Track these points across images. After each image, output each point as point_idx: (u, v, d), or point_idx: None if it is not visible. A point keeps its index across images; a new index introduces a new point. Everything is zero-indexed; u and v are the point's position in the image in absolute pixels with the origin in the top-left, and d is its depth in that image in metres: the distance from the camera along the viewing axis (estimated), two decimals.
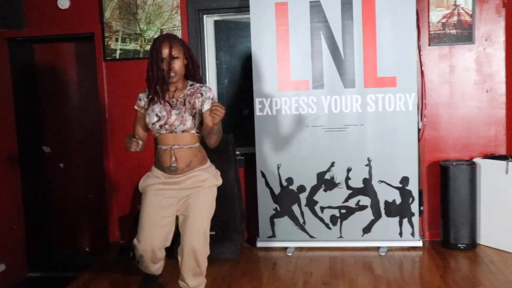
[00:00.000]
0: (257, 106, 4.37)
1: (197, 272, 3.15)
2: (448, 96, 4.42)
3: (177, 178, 3.05)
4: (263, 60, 4.34)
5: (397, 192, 4.24)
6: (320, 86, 4.28)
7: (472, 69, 4.38)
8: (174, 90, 3.05)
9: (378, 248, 4.26)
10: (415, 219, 4.25)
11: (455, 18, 4.32)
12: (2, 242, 4.66)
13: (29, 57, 5.22)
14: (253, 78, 4.37)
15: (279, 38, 4.30)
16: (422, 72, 4.40)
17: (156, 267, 3.30)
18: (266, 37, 4.31)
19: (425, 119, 4.44)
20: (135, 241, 3.16)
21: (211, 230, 4.30)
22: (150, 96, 3.02)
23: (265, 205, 4.43)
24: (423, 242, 4.29)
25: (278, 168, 4.39)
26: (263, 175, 4.41)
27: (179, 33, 4.62)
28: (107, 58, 4.73)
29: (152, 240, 3.08)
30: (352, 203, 4.31)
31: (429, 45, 4.39)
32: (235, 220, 4.41)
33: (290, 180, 4.38)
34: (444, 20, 4.33)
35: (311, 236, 4.39)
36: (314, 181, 4.35)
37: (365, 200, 4.29)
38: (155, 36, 4.59)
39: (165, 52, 2.93)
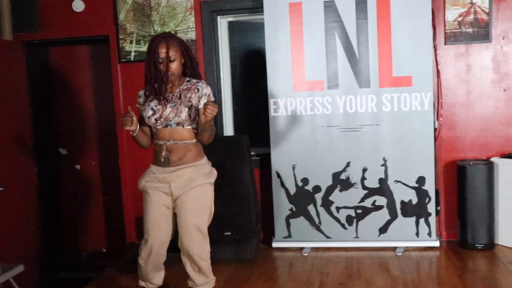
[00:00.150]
0: (271, 107, 4.39)
1: (198, 270, 3.13)
2: (465, 95, 4.41)
3: (168, 173, 3.06)
4: (277, 61, 4.36)
5: (413, 192, 4.24)
6: (335, 86, 4.29)
7: (489, 67, 4.36)
8: (171, 86, 3.08)
9: (394, 248, 4.27)
10: (432, 219, 4.25)
11: (471, 16, 4.31)
12: (19, 244, 4.72)
13: (45, 60, 5.31)
14: (268, 79, 4.39)
15: (293, 38, 4.32)
16: (438, 71, 4.40)
17: (157, 277, 3.27)
18: (280, 37, 4.34)
19: (441, 119, 4.44)
20: (142, 244, 3.20)
21: (227, 230, 4.39)
22: (147, 93, 3.06)
23: (281, 206, 4.45)
24: (440, 242, 4.29)
25: (294, 168, 4.41)
26: (279, 176, 4.44)
27: (193, 35, 4.67)
28: (122, 60, 4.79)
29: (156, 238, 3.11)
30: (368, 203, 4.32)
31: (445, 44, 4.38)
32: (251, 220, 4.45)
33: (305, 180, 4.40)
34: (460, 19, 4.32)
35: (327, 237, 4.41)
36: (329, 181, 4.36)
37: (381, 200, 4.30)
38: None
39: (162, 52, 2.95)
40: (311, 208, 4.41)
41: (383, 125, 4.24)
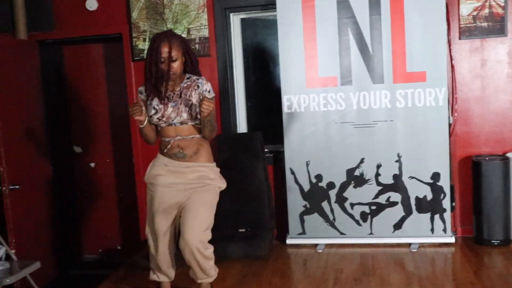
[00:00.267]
0: (285, 103, 4.41)
1: (197, 265, 3.12)
2: (480, 90, 4.39)
3: (184, 167, 3.10)
4: (290, 57, 4.38)
5: (428, 188, 4.24)
6: (348, 82, 4.30)
7: (505, 62, 4.33)
8: (172, 84, 3.11)
9: (409, 244, 4.27)
10: (447, 215, 4.24)
11: (486, 10, 4.28)
12: (36, 241, 4.78)
13: (59, 58, 5.36)
14: (281, 75, 4.42)
15: (306, 35, 4.33)
16: (452, 66, 4.38)
17: (170, 269, 3.36)
18: (293, 34, 4.35)
19: (456, 114, 4.43)
20: (147, 234, 3.31)
21: (241, 227, 4.44)
22: (148, 92, 3.09)
23: (295, 202, 4.47)
24: (455, 238, 4.29)
25: (307, 165, 4.42)
26: (292, 172, 4.45)
27: (206, 32, 4.69)
28: (135, 58, 4.82)
29: (162, 230, 3.21)
30: (382, 199, 4.33)
31: (459, 38, 4.36)
32: (265, 217, 4.47)
33: (319, 177, 4.41)
34: (475, 13, 4.30)
35: (341, 233, 4.42)
36: (343, 178, 4.37)
37: (395, 196, 4.30)
38: (183, 35, 4.66)
39: (165, 52, 2.97)
40: (325, 204, 4.42)
41: (397, 121, 4.24)
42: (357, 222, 4.39)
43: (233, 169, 4.57)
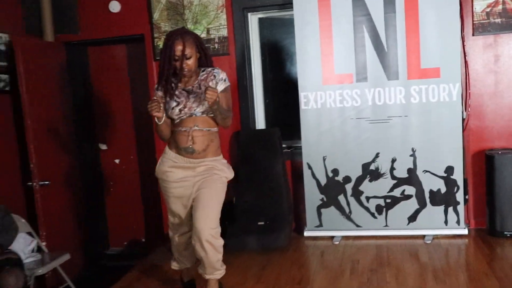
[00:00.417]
0: (302, 100, 4.44)
1: (206, 256, 3.07)
2: (493, 85, 4.40)
3: (192, 163, 3.10)
4: (307, 55, 4.41)
5: (442, 181, 4.26)
6: (364, 79, 4.33)
7: None
8: (187, 80, 3.11)
9: (423, 236, 4.30)
10: (460, 208, 4.26)
11: (499, 7, 4.28)
12: (65, 234, 4.88)
13: (84, 59, 5.45)
14: (298, 73, 4.45)
15: (322, 33, 4.37)
16: (466, 62, 4.39)
17: (188, 260, 3.42)
18: (310, 32, 4.38)
19: (469, 109, 4.44)
20: (170, 233, 3.34)
21: (260, 220, 4.48)
22: (163, 89, 3.10)
23: (312, 196, 4.51)
24: (468, 230, 4.30)
25: (324, 160, 4.46)
26: (310, 167, 4.49)
27: (225, 32, 4.74)
28: (157, 58, 4.85)
29: (181, 220, 3.24)
30: (397, 192, 4.36)
31: (473, 35, 4.37)
32: (283, 210, 4.51)
33: (335, 171, 4.45)
34: (488, 10, 4.30)
35: (357, 225, 4.46)
36: (359, 172, 4.41)
37: (410, 190, 4.33)
38: (202, 35, 4.74)
39: (178, 50, 2.96)
40: (341, 198, 4.46)
41: (412, 116, 4.27)
42: (372, 214, 4.42)
43: (252, 164, 4.64)
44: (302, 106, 4.46)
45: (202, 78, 3.10)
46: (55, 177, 4.76)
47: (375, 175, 4.38)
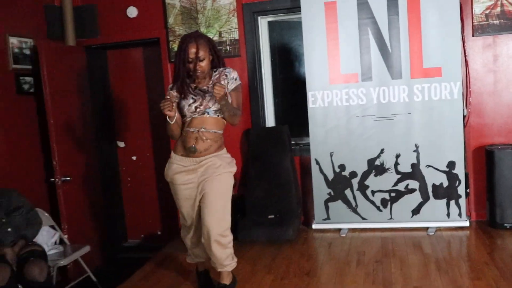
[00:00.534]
0: (310, 99, 4.46)
1: (214, 255, 3.09)
2: (493, 84, 4.40)
3: (194, 165, 3.07)
4: (314, 56, 4.42)
5: (444, 175, 4.27)
6: (369, 79, 4.34)
7: None
8: (200, 81, 3.09)
9: (426, 228, 4.30)
10: (462, 201, 4.27)
11: (498, 9, 4.29)
12: (86, 227, 4.95)
13: (103, 62, 5.48)
14: (306, 73, 4.46)
15: (329, 35, 4.38)
16: (466, 62, 4.40)
17: (202, 252, 3.32)
18: (317, 34, 4.39)
19: (470, 107, 4.45)
20: (182, 233, 3.33)
21: (270, 214, 4.49)
22: (178, 90, 3.07)
23: (320, 190, 4.52)
24: (470, 222, 4.30)
25: (331, 155, 4.48)
26: (317, 163, 4.51)
27: (236, 34, 4.77)
28: (172, 60, 4.86)
29: (193, 221, 3.21)
30: (401, 186, 4.36)
31: (472, 36, 4.38)
32: (292, 204, 4.52)
33: (342, 167, 4.46)
34: (487, 11, 4.31)
35: (363, 218, 4.47)
36: (365, 167, 4.42)
37: (413, 184, 4.34)
38: (215, 38, 4.78)
39: (192, 52, 2.95)
40: (348, 192, 4.47)
41: (415, 113, 4.28)
42: (377, 208, 4.43)
43: (262, 160, 4.67)
44: (310, 105, 4.47)
45: (215, 78, 3.10)
46: (76, 174, 4.83)
47: (380, 170, 4.39)
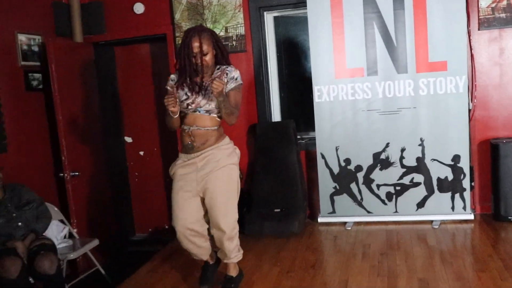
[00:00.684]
0: (315, 93, 4.47)
1: (221, 247, 3.14)
2: (498, 77, 4.41)
3: (194, 158, 3.04)
4: (320, 51, 4.43)
5: (449, 169, 4.29)
6: (374, 73, 4.35)
7: None
8: (202, 76, 3.05)
9: (431, 221, 4.32)
10: (467, 194, 4.28)
11: (504, 2, 4.29)
12: (95, 221, 4.98)
13: (111, 58, 5.51)
14: (312, 68, 4.48)
15: (334, 29, 4.39)
16: (472, 55, 4.40)
17: (199, 251, 3.23)
18: (322, 29, 4.41)
19: (475, 100, 4.45)
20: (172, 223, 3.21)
21: (276, 207, 4.52)
22: (180, 81, 3.04)
23: (325, 184, 4.55)
24: (474, 215, 4.32)
25: (337, 150, 4.50)
26: (323, 157, 4.53)
27: (242, 30, 4.79)
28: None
29: (181, 220, 3.06)
30: (406, 180, 4.39)
31: (478, 29, 4.38)
32: (298, 198, 4.56)
33: (348, 161, 4.49)
34: (493, 5, 4.31)
35: (368, 212, 4.50)
36: (370, 161, 4.44)
37: (418, 178, 4.36)
38: (221, 33, 4.81)
39: (196, 47, 2.91)
40: (353, 186, 4.50)
41: (420, 107, 4.29)
42: (383, 201, 4.45)
43: (268, 154, 4.70)
44: (316, 99, 4.49)
45: (217, 75, 3.04)
46: (85, 169, 4.86)
47: (385, 164, 4.41)
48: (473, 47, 4.41)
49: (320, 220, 4.60)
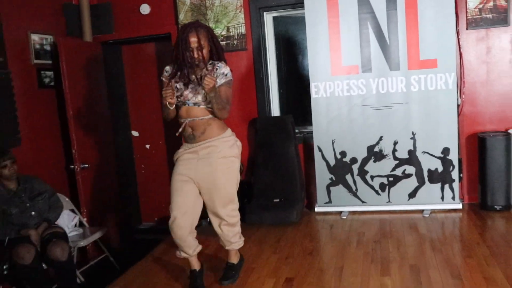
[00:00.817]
0: (313, 90, 4.48)
1: (222, 234, 3.13)
2: (485, 74, 4.42)
3: (195, 147, 2.99)
4: (317, 49, 4.44)
5: (439, 161, 4.30)
6: (368, 70, 4.36)
7: (508, 49, 4.35)
8: (196, 70, 2.97)
9: (422, 211, 4.35)
10: (455, 185, 4.30)
11: (491, 3, 4.30)
12: (104, 211, 5.01)
13: (118, 56, 5.53)
14: (309, 65, 4.48)
15: (330, 29, 4.40)
16: (460, 54, 4.42)
17: (189, 247, 3.09)
18: (319, 28, 4.41)
19: (463, 96, 4.47)
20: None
21: (275, 198, 4.53)
22: (174, 72, 2.99)
23: (322, 176, 4.56)
24: (462, 205, 4.34)
25: (333, 143, 4.51)
26: (320, 150, 4.54)
27: (243, 29, 4.79)
28: None
29: (177, 206, 2.97)
30: (398, 172, 4.40)
31: (466, 29, 4.39)
32: (296, 189, 4.58)
33: (343, 153, 4.50)
34: (480, 6, 4.33)
35: (362, 202, 4.51)
36: (364, 154, 4.45)
37: (410, 169, 4.37)
38: (223, 33, 4.84)
39: (193, 42, 2.87)
40: (348, 177, 4.51)
41: (412, 103, 4.30)
42: (376, 192, 4.47)
43: (268, 148, 4.71)
44: (313, 95, 4.50)
45: (207, 71, 2.96)
46: (94, 161, 4.89)
47: (379, 156, 4.43)
48: (461, 46, 4.42)
49: (317, 209, 4.61)
